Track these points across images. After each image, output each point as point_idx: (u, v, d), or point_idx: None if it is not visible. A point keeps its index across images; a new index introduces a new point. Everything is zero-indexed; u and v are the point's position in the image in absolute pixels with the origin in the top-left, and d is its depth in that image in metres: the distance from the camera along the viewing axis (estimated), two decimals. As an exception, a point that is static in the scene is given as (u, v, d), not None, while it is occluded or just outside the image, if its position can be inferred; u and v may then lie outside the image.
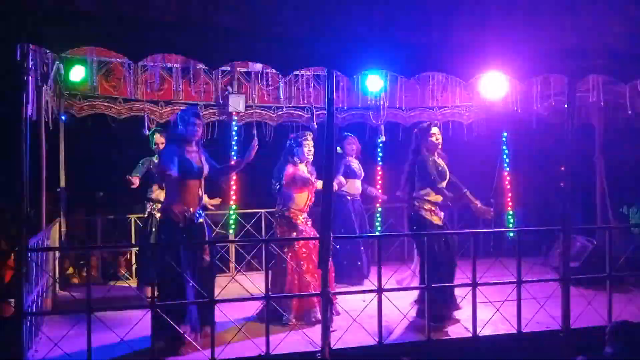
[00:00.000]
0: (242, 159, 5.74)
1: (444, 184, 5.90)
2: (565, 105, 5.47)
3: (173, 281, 4.90)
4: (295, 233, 6.00)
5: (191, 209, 5.24)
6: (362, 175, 7.95)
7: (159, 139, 7.04)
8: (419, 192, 5.91)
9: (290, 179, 6.04)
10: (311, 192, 6.14)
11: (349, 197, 7.75)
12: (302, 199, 6.08)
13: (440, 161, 6.00)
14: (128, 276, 7.90)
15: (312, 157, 6.16)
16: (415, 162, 5.94)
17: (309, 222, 6.15)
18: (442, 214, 6.00)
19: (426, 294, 5.33)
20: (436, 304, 5.44)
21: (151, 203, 7.17)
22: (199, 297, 4.92)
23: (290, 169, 6.07)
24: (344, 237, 7.32)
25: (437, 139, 5.96)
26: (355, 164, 7.89)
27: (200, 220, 5.35)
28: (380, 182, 9.18)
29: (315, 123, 8.24)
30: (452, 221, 8.62)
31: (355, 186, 7.86)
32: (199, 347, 4.83)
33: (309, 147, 6.11)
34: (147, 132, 7.53)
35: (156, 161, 7.01)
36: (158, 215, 6.81)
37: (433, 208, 5.89)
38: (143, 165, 7.15)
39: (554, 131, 8.08)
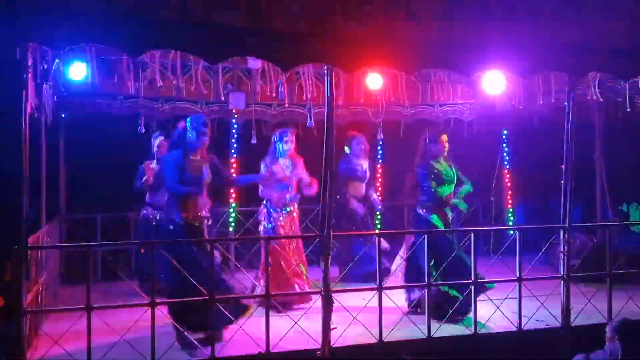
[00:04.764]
0: (250, 179, 6.31)
1: (445, 188, 5.98)
2: (565, 103, 5.47)
3: (177, 281, 4.89)
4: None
5: (190, 216, 5.20)
6: (367, 177, 7.89)
7: (162, 144, 6.97)
8: (423, 195, 6.02)
9: (267, 176, 6.25)
10: (288, 188, 6.33)
11: (354, 200, 7.72)
12: (281, 194, 6.28)
13: (440, 166, 6.04)
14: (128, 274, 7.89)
15: (294, 152, 6.43)
16: (420, 166, 6.03)
17: (287, 217, 6.32)
18: (451, 216, 6.09)
19: (426, 292, 5.33)
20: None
21: (148, 207, 7.11)
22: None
23: (267, 167, 6.29)
24: (344, 235, 7.29)
25: (444, 147, 6.05)
26: (360, 166, 7.82)
27: (196, 224, 5.23)
28: (380, 180, 9.15)
29: (312, 121, 8.20)
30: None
31: (358, 189, 7.82)
32: (199, 345, 4.82)
33: (289, 144, 6.34)
34: (143, 131, 7.50)
35: (153, 166, 6.95)
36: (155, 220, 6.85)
37: (438, 208, 5.97)
38: (144, 172, 7.07)
39: (554, 129, 8.05)
